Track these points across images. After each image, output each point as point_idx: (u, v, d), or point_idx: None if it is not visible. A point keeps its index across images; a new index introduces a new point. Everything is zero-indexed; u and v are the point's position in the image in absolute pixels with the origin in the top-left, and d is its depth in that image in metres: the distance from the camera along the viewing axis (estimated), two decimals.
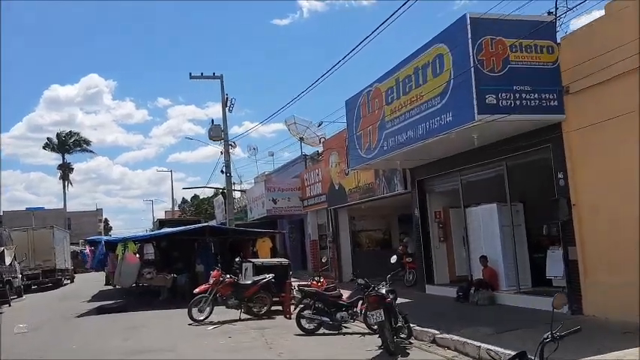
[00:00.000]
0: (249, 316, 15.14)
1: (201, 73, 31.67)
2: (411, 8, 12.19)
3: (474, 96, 10.76)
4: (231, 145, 32.20)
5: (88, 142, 74.26)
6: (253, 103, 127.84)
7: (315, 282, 14.13)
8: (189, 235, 20.18)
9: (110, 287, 28.28)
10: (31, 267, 32.17)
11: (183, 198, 75.77)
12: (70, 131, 73.48)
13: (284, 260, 17.36)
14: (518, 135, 12.19)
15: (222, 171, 32.55)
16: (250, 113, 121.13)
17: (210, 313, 14.75)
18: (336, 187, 21.58)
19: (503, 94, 10.93)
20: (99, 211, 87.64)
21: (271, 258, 19.90)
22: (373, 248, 22.93)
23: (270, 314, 15.31)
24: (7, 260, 21.73)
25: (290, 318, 14.58)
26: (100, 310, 17.93)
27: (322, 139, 23.61)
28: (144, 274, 19.16)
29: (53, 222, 39.70)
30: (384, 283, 10.92)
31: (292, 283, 15.58)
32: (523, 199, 13.90)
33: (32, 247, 32.29)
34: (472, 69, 10.80)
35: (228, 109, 31.76)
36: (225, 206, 44.17)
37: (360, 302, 12.31)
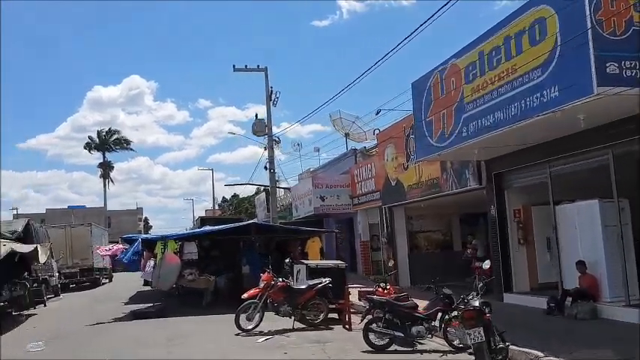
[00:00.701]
0: (302, 326, 13.24)
1: (245, 66, 30.16)
2: (452, 8, 11.32)
3: (593, 64, 8.64)
4: (275, 140, 30.56)
5: (128, 142, 73.87)
6: (291, 104, 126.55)
7: (380, 289, 12.13)
8: (233, 234, 18.37)
9: (149, 288, 26.79)
10: (68, 265, 31.01)
11: (223, 197, 74.66)
12: (109, 129, 73.00)
13: (340, 263, 15.39)
14: (629, 117, 9.98)
15: (265, 167, 31.00)
16: (288, 114, 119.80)
17: (260, 321, 12.88)
18: (393, 184, 19.53)
19: (627, 63, 8.79)
20: (139, 210, 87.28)
21: (321, 259, 18.00)
22: (432, 251, 20.77)
23: (326, 323, 13.38)
24: (42, 259, 20.21)
25: (350, 329, 12.65)
26: (136, 315, 16.24)
27: (376, 132, 21.51)
28: (184, 276, 17.42)
29: (93, 220, 38.59)
30: (474, 293, 8.86)
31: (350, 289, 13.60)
32: (629, 194, 11.59)
33: (70, 244, 31.10)
34: (590, 30, 8.67)
35: (273, 103, 30.12)
36: (268, 204, 42.64)
37: (439, 314, 10.32)
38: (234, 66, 29.78)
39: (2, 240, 19.26)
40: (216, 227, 18.94)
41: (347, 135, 33.65)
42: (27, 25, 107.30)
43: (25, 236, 21.99)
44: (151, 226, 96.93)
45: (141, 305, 19.18)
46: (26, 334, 14.99)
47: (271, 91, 29.92)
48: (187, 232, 18.58)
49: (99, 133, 72.76)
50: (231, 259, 19.62)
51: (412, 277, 19.30)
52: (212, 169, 65.98)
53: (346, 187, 23.92)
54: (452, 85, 12.62)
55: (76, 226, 32.30)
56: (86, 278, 31.69)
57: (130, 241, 19.82)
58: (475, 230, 18.78)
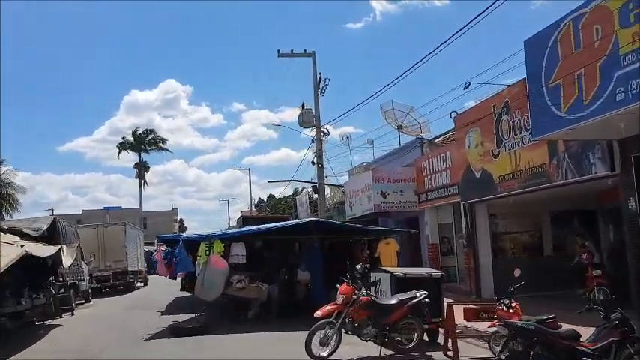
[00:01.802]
0: (391, 352, 10.06)
1: (291, 51, 27.21)
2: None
3: None
4: (323, 132, 27.45)
5: (164, 141, 71.35)
6: (330, 101, 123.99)
7: (503, 309, 8.80)
8: (289, 233, 15.22)
9: (187, 294, 23.88)
10: (100, 268, 28.31)
11: (259, 198, 71.86)
12: (146, 130, 70.75)
13: (434, 271, 12.12)
14: None
15: (312, 162, 27.94)
16: (326, 113, 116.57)
17: (337, 346, 9.70)
18: (477, 175, 16.13)
19: None
20: (174, 211, 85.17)
21: (397, 265, 14.78)
22: (519, 255, 17.29)
23: (421, 349, 10.18)
24: (67, 261, 17.45)
25: (457, 359, 9.43)
26: (174, 331, 13.21)
27: (453, 115, 18.07)
28: (232, 283, 14.34)
29: (129, 221, 35.91)
30: None
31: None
32: None
33: (102, 245, 28.43)
34: None
35: (321, 92, 27.01)
36: (313, 204, 39.61)
37: (614, 347, 7.03)
38: (278, 51, 26.94)
39: (21, 240, 16.54)
40: (271, 225, 15.82)
41: (400, 127, 30.40)
42: (68, 29, 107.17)
43: (51, 235, 19.22)
44: (186, 228, 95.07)
45: (180, 316, 16.25)
46: (42, 354, 12.09)
47: (319, 78, 26.86)
48: (236, 230, 15.47)
49: (134, 133, 70.49)
50: (282, 263, 16.50)
51: (497, 286, 15.85)
52: (249, 169, 63.38)
53: (411, 181, 20.64)
54: (595, 35, 9.27)
55: (109, 226, 29.62)
56: (120, 282, 28.98)
57: (167, 242, 16.85)
58: (581, 231, 15.39)
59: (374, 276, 11.49)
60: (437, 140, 21.18)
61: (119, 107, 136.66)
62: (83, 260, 24.50)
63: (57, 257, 16.74)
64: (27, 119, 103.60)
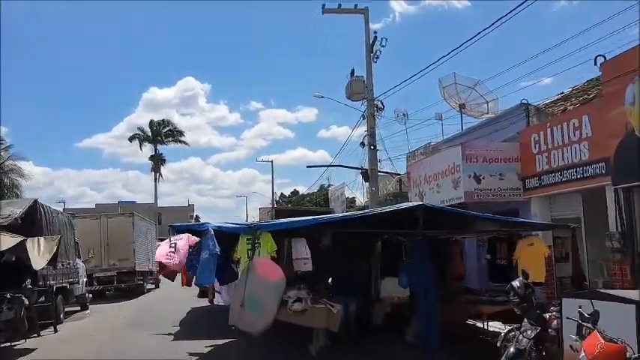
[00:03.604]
0: None
1: (339, 5, 21.59)
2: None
3: None
4: (377, 106, 21.78)
5: (181, 133, 66.32)
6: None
7: None
8: (380, 225, 9.52)
9: (205, 301, 18.41)
10: (103, 267, 22.91)
11: (281, 193, 66.21)
12: (163, 120, 65.77)
13: None
14: None
15: (362, 143, 22.27)
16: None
17: None
18: None
19: None
20: (190, 207, 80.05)
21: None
22: None
23: None
24: (38, 260, 11.96)
25: None
26: None
27: (599, 60, 12.13)
28: (287, 302, 8.72)
29: (143, 216, 30.38)
30: None
31: None
32: None
33: (105, 240, 23.01)
34: None
35: (374, 57, 21.38)
36: (345, 199, 33.97)
37: None
38: (323, 6, 21.39)
39: None
40: (362, 212, 10.03)
41: (462, 106, 24.76)
42: (88, 27, 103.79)
43: (29, 224, 13.87)
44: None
45: (198, 343, 10.84)
46: None
47: (374, 39, 21.23)
48: (297, 220, 9.65)
49: (151, 124, 65.52)
50: (360, 271, 10.94)
51: None
52: (271, 162, 57.33)
53: (513, 161, 14.95)
54: None
55: (114, 216, 24.12)
56: (126, 284, 23.54)
57: (182, 232, 11.16)
58: None
59: (586, 305, 5.81)
60: (548, 107, 15.36)
61: (138, 104, 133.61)
62: (79, 258, 19.09)
63: (20, 254, 11.29)
64: (46, 115, 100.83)
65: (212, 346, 10.82)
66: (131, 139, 65.25)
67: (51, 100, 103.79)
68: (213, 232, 8.59)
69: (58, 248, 12.89)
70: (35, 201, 14.48)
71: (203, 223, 9.64)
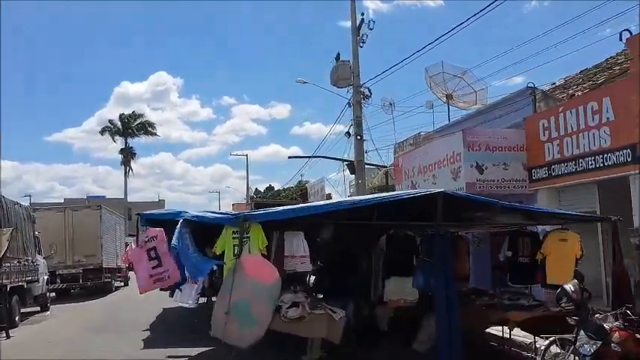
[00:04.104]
0: None
1: None
2: None
3: None
4: (363, 93, 20.33)
5: (152, 125, 63.95)
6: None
7: None
8: (390, 217, 8.01)
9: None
10: (67, 264, 21.00)
11: (256, 188, 64.36)
12: (133, 112, 63.48)
13: None
14: None
15: (348, 133, 20.79)
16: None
17: None
18: None
19: None
20: (161, 202, 77.65)
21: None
22: None
23: None
24: None
25: None
26: None
27: (624, 36, 10.81)
28: (281, 308, 7.17)
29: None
30: None
31: None
32: None
33: (70, 235, 21.09)
34: None
35: (360, 41, 19.99)
36: (324, 193, 32.41)
37: None
38: None
39: None
40: (375, 196, 8.45)
41: (449, 97, 23.49)
42: (60, 20, 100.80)
43: None
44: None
45: (174, 351, 9.28)
46: None
47: (361, 21, 19.82)
48: (296, 206, 8.08)
49: (121, 116, 63.08)
50: (354, 269, 9.48)
51: None
52: (246, 155, 55.48)
53: (519, 150, 13.64)
54: None
55: (80, 209, 22.21)
56: (92, 282, 21.66)
57: (153, 223, 9.23)
58: None
59: None
60: (555, 91, 14.05)
61: (109, 99, 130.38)
62: (40, 254, 17.25)
63: None
64: (15, 108, 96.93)
65: (186, 356, 9.23)
66: (102, 131, 62.78)
67: (19, 92, 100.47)
68: (183, 223, 7.02)
69: (9, 243, 11.10)
70: None
71: (179, 212, 7.97)
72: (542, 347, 6.63)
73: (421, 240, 8.70)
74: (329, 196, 35.44)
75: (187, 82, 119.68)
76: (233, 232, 7.07)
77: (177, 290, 9.53)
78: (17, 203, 15.26)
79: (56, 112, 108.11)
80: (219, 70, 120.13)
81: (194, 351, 9.61)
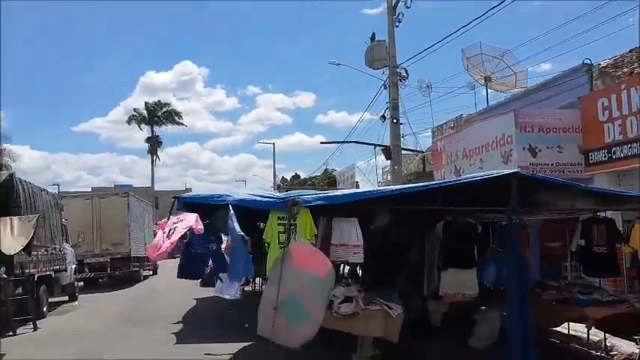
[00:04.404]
0: None
1: None
2: None
3: None
4: (399, 75, 19.32)
5: (179, 114, 63.67)
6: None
7: None
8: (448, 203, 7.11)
9: (211, 292, 16.18)
10: (95, 252, 20.50)
11: (282, 177, 63.68)
12: (159, 101, 63.19)
13: None
14: None
15: (383, 117, 19.86)
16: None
17: None
18: None
19: None
20: (187, 191, 77.37)
21: None
22: None
23: None
24: (10, 246, 9.54)
25: None
26: None
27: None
28: (332, 303, 6.36)
29: None
30: None
31: None
32: None
33: (98, 223, 20.54)
34: None
35: (396, 20, 18.98)
36: (354, 180, 31.50)
37: None
38: None
39: None
40: (453, 180, 7.49)
41: (487, 79, 22.42)
42: (85, 9, 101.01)
43: (3, 203, 11.49)
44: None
45: (209, 347, 8.55)
46: None
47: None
48: (358, 190, 7.20)
49: (146, 105, 62.93)
50: (404, 259, 8.63)
51: None
52: (273, 143, 54.95)
53: (574, 131, 12.60)
54: None
55: (107, 196, 21.64)
56: (120, 271, 21.15)
57: (192, 207, 8.34)
58: None
59: None
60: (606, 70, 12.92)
61: (134, 88, 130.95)
62: (67, 242, 16.69)
63: None
64: (44, 99, 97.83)
65: (227, 354, 8.46)
66: (129, 120, 62.90)
67: (48, 83, 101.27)
68: (232, 211, 6.21)
69: (35, 231, 10.45)
70: (11, 175, 12.07)
71: (220, 195, 7.15)
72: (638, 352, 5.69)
73: (492, 228, 7.77)
74: (357, 185, 34.61)
75: (212, 72, 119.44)
76: (278, 217, 6.24)
77: (217, 281, 8.73)
78: (44, 190, 14.65)
79: (83, 103, 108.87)
80: (244, 60, 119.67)
81: (233, 347, 8.85)
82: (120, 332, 11.09)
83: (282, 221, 6.20)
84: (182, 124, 64.38)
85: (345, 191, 7.08)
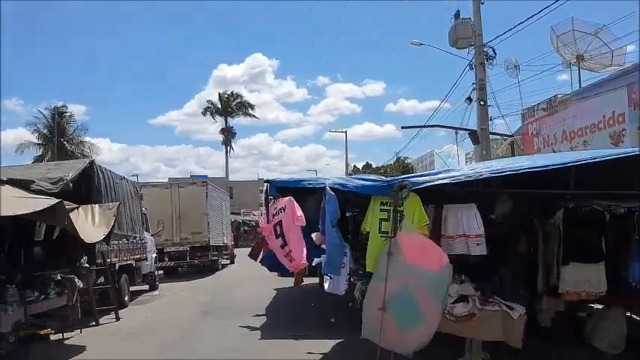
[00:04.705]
0: None
1: None
2: None
3: None
4: (486, 54, 18.02)
5: (251, 106, 64.21)
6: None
7: None
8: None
9: (290, 281, 15.62)
10: (174, 241, 20.39)
11: (354, 166, 62.86)
12: (232, 92, 63.84)
13: None
14: None
15: (469, 99, 18.58)
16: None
17: None
18: None
19: None
20: (260, 181, 78.07)
21: None
22: None
23: None
24: (92, 233, 9.16)
25: None
26: None
27: None
28: (445, 304, 5.47)
29: None
30: None
31: None
32: None
33: (177, 212, 20.41)
34: None
35: None
36: (434, 168, 30.25)
37: None
38: None
39: (26, 196, 8.42)
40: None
41: (580, 58, 20.64)
42: (159, 6, 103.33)
43: (82, 189, 11.19)
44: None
45: (298, 344, 7.87)
46: None
47: None
48: (471, 170, 6.37)
49: (220, 96, 63.75)
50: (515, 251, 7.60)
51: None
52: (345, 131, 54.15)
53: None
54: None
55: (186, 185, 21.49)
56: (199, 260, 20.98)
57: (284, 191, 7.45)
58: None
59: None
60: None
61: (208, 82, 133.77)
62: (147, 231, 16.51)
63: (56, 223, 8.62)
64: (123, 94, 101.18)
65: (320, 354, 7.73)
66: (204, 112, 64.07)
67: (126, 78, 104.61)
68: (331, 193, 5.41)
69: (116, 219, 10.08)
70: (92, 162, 11.76)
71: (316, 178, 6.40)
72: None
73: (637, 216, 6.59)
74: None
75: (282, 64, 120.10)
76: (381, 203, 5.39)
77: (325, 277, 7.96)
78: (124, 178, 14.40)
79: (160, 96, 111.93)
80: (313, 50, 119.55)
81: (326, 344, 8.14)
82: (202, 324, 10.63)
83: (385, 207, 5.35)
84: (253, 115, 64.96)
85: (463, 170, 6.00)
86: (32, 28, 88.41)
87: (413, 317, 4.93)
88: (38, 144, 41.91)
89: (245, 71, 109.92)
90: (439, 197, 6.35)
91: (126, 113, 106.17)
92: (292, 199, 6.72)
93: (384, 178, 6.17)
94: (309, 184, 6.33)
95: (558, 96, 17.60)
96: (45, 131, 43.17)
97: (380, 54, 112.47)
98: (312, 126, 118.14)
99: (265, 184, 7.49)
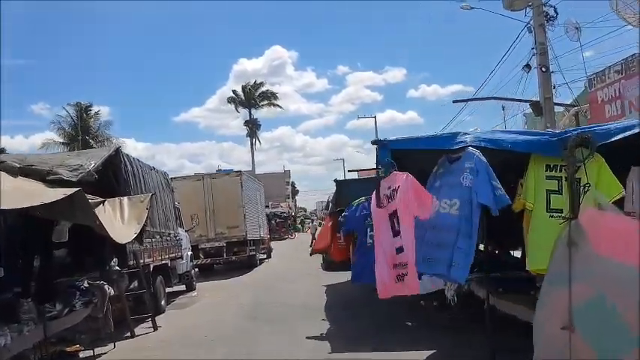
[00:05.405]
0: None
1: None
2: None
3: None
4: (547, 13, 15.98)
5: (275, 95, 62.79)
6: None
7: None
8: None
9: (338, 276, 14.05)
10: (209, 237, 18.80)
11: None
12: (255, 81, 62.44)
13: None
14: None
15: (527, 65, 16.54)
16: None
17: None
18: None
19: None
20: (286, 173, 76.98)
21: None
22: None
23: None
24: (122, 234, 7.50)
25: None
26: None
27: None
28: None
29: None
30: None
31: None
32: None
33: (211, 205, 18.81)
34: None
35: None
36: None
37: None
38: None
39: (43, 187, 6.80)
40: None
41: None
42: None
43: (110, 181, 9.58)
44: (298, 191, 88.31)
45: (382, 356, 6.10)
46: None
47: None
48: None
49: (243, 88, 62.45)
50: None
51: None
52: (375, 117, 52.12)
53: None
54: None
55: (219, 177, 19.82)
56: (236, 256, 19.39)
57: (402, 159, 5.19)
58: None
59: None
60: None
61: (228, 77, 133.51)
62: (181, 227, 14.89)
63: (81, 220, 6.98)
64: (146, 92, 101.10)
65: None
66: (229, 100, 63.07)
67: (148, 77, 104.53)
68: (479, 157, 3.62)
69: (148, 212, 8.43)
70: (117, 150, 10.12)
71: (455, 134, 4.38)
72: None
73: None
74: None
75: (302, 55, 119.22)
76: (547, 167, 3.59)
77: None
78: (153, 168, 12.78)
79: (183, 93, 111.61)
80: (332, 40, 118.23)
81: (417, 357, 6.39)
82: (255, 332, 8.91)
83: (554, 173, 3.57)
84: (278, 105, 63.70)
85: None
86: (53, 30, 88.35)
87: (619, 339, 3.12)
88: (63, 143, 40.72)
89: (265, 64, 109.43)
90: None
91: (149, 112, 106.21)
92: (411, 177, 4.51)
93: (550, 131, 4.30)
94: (442, 144, 4.38)
95: (629, 58, 15.43)
96: (69, 129, 42.02)
97: (399, 40, 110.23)
98: (334, 116, 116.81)
99: (374, 145, 5.07)
